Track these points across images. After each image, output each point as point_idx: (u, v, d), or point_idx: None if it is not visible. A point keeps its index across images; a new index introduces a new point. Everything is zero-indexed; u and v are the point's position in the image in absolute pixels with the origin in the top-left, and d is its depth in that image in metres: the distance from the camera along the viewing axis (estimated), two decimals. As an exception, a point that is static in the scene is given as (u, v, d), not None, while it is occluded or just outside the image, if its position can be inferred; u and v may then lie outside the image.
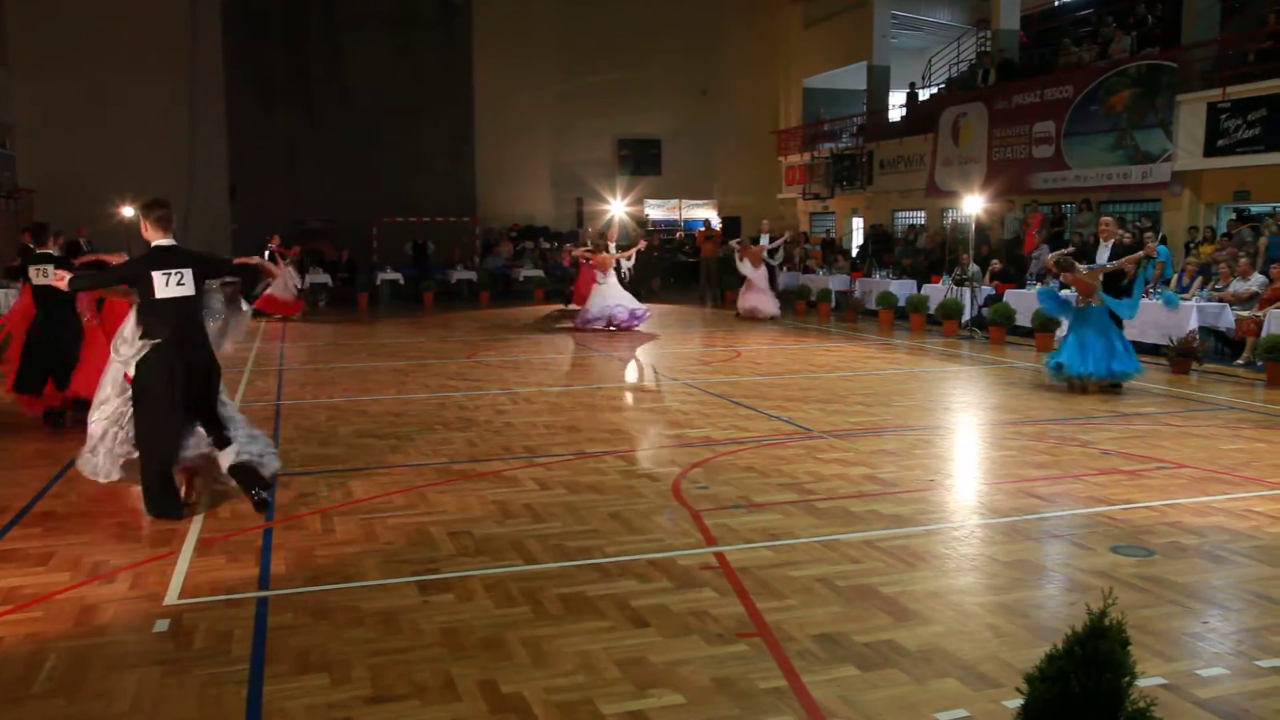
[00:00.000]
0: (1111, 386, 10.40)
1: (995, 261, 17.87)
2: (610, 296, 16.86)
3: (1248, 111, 14.78)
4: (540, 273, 25.42)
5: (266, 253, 16.60)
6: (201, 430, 6.18)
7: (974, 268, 16.79)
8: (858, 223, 26.07)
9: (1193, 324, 12.71)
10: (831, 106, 27.96)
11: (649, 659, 4.12)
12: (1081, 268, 10.35)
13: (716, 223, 26.69)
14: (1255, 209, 15.97)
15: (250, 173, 24.73)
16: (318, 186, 24.88)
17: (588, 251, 17.99)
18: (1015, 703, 3.20)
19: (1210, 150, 15.45)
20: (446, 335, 16.92)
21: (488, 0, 26.61)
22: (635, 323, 16.83)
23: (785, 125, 28.91)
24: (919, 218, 23.50)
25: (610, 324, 16.73)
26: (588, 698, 3.80)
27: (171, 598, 4.86)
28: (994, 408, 10.00)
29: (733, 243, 21.23)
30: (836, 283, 20.71)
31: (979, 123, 20.30)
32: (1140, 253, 10.97)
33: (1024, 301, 15.40)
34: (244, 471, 6.16)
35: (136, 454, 6.10)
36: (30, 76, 21.94)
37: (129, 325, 6.25)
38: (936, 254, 20.48)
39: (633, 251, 18.32)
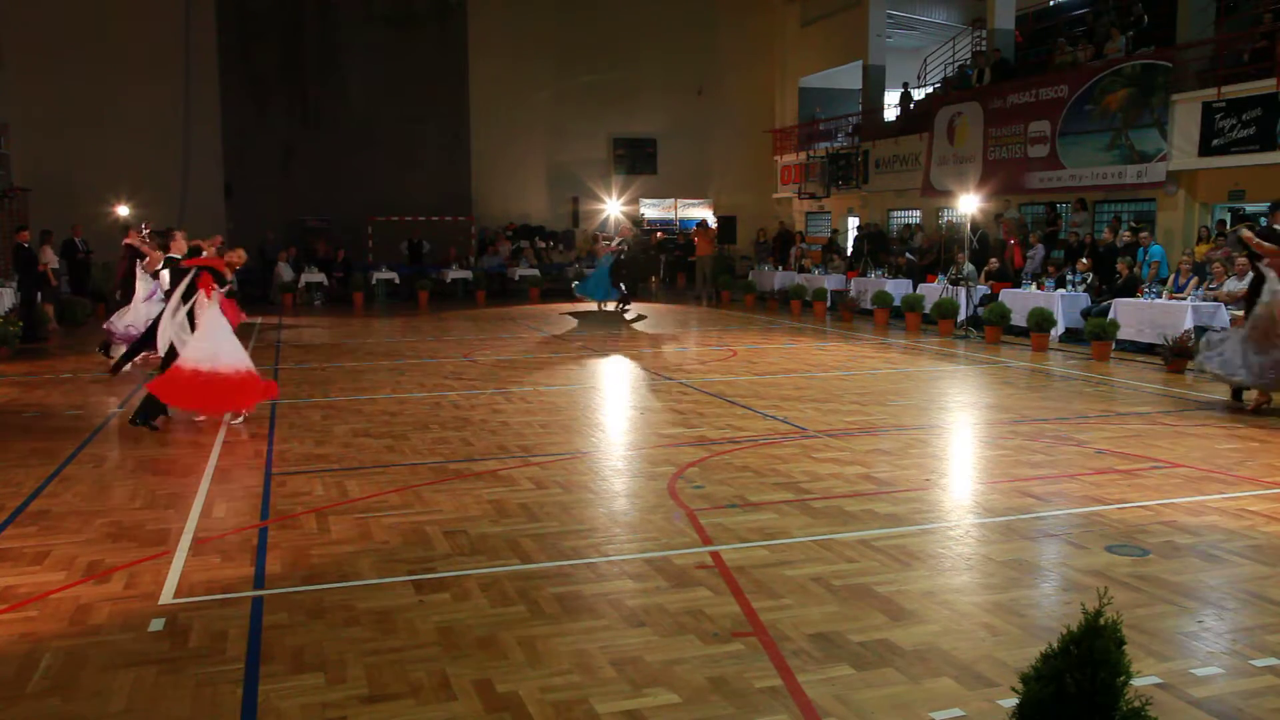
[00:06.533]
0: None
1: (992, 260, 17.88)
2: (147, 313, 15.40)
3: (1242, 111, 14.81)
4: (536, 272, 25.45)
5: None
6: None
7: (969, 267, 16.80)
8: (853, 222, 26.09)
9: (1188, 323, 12.74)
10: (827, 106, 27.98)
11: (644, 658, 4.12)
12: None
13: (712, 221, 26.68)
14: (1250, 209, 15.99)
15: (245, 172, 24.67)
16: (313, 185, 24.85)
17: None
18: (1010, 702, 3.20)
19: (1205, 150, 15.48)
20: (442, 334, 16.90)
21: (484, -1, 26.62)
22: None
23: (780, 124, 28.91)
24: (914, 217, 23.51)
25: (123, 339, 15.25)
26: (583, 697, 3.80)
27: (166, 597, 4.85)
28: (989, 407, 10.01)
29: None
30: (832, 282, 20.72)
31: (974, 122, 20.30)
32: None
33: (1019, 301, 15.43)
34: None
35: None
36: (25, 75, 21.86)
37: None
38: (932, 253, 20.48)
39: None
